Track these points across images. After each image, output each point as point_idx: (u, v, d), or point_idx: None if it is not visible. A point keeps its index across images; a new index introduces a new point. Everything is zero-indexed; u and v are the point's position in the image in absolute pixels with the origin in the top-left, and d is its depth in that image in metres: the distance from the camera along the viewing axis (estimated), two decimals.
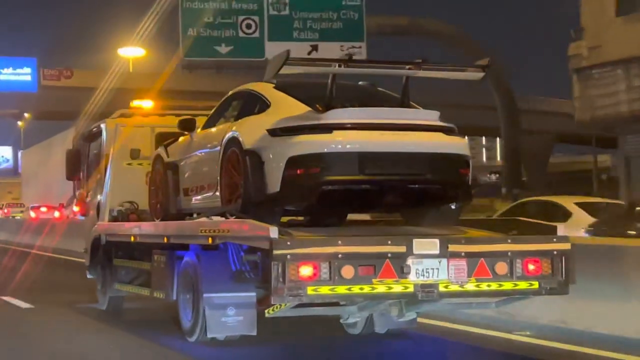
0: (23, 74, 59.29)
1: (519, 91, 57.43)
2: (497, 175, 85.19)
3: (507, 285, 8.06)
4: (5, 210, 67.76)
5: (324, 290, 7.58)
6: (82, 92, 50.73)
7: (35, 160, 78.31)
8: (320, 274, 7.57)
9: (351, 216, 9.88)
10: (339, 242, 7.64)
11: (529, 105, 62.61)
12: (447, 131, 8.56)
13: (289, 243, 7.52)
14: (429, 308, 8.75)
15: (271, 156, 8.22)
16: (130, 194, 12.04)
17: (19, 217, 56.08)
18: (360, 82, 9.59)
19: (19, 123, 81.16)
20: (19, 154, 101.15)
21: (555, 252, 8.14)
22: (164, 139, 11.13)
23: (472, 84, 9.12)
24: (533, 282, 8.11)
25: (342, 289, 7.62)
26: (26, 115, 70.41)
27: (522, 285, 8.10)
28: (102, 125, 12.94)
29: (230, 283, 8.69)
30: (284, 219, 9.30)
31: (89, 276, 13.09)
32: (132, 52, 56.00)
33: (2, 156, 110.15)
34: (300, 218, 9.74)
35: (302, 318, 9.28)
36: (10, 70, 59.71)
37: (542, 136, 64.22)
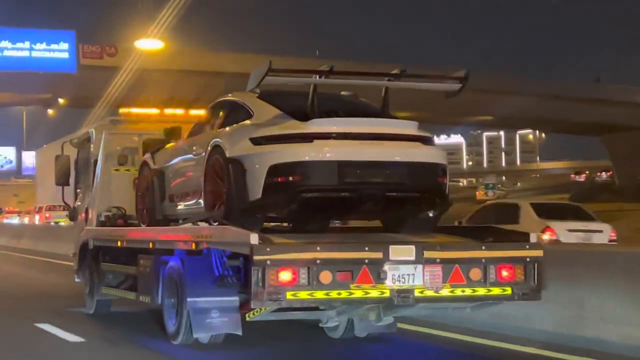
0: (59, 51, 49.33)
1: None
2: (609, 173, 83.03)
3: (481, 291, 8.36)
4: (47, 215, 52.64)
5: (303, 295, 7.87)
6: (129, 73, 43.54)
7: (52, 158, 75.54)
8: (299, 279, 7.85)
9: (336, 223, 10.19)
10: (318, 248, 7.92)
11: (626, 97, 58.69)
12: (425, 141, 8.84)
13: (268, 249, 7.79)
14: (406, 313, 9.02)
15: (253, 164, 8.49)
16: (118, 200, 12.33)
17: (62, 224, 39.12)
18: (343, 92, 9.87)
19: (49, 111, 68.67)
20: (23, 154, 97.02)
21: (528, 259, 8.45)
22: (151, 146, 11.41)
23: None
24: (506, 288, 8.41)
25: (320, 294, 7.90)
26: (60, 101, 57.93)
27: (496, 291, 8.40)
28: (91, 131, 13.22)
29: (213, 287, 8.95)
30: (268, 224, 9.63)
31: (76, 280, 13.35)
32: (148, 45, 45.97)
33: (5, 157, 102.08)
34: (285, 224, 10.06)
35: (285, 322, 9.56)
36: (43, 45, 49.63)
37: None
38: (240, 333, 8.96)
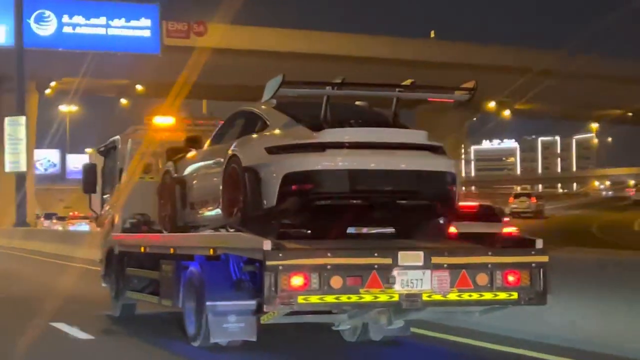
0: (139, 28, 43.05)
1: None
2: None
3: (488, 296, 8.67)
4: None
5: (314, 299, 8.22)
6: (221, 55, 36.87)
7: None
8: (310, 283, 8.21)
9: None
10: (329, 254, 8.28)
11: None
12: (434, 150, 9.18)
13: (280, 255, 8.16)
14: (416, 316, 9.34)
15: (268, 173, 8.86)
16: (142, 207, 12.75)
17: None
18: (357, 102, 10.23)
19: (122, 101, 60.45)
20: (67, 157, 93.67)
21: (533, 265, 8.74)
22: (174, 155, 11.81)
23: None
24: (512, 293, 8.72)
25: (330, 298, 8.26)
26: (138, 88, 50.59)
27: (502, 295, 8.70)
28: (116, 140, 13.67)
29: (231, 292, 9.34)
30: (289, 230, 9.97)
31: (103, 284, 13.79)
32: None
33: (49, 160, 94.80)
34: (305, 231, 10.40)
35: (301, 325, 9.91)
36: (122, 21, 43.45)
37: None
38: (254, 339, 9.33)
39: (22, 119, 41.65)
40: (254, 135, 9.50)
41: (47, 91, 53.62)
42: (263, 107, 9.81)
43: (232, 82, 42.33)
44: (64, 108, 68.83)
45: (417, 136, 9.27)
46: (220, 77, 41.62)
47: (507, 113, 72.19)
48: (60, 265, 26.12)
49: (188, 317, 10.17)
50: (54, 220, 66.87)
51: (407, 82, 9.32)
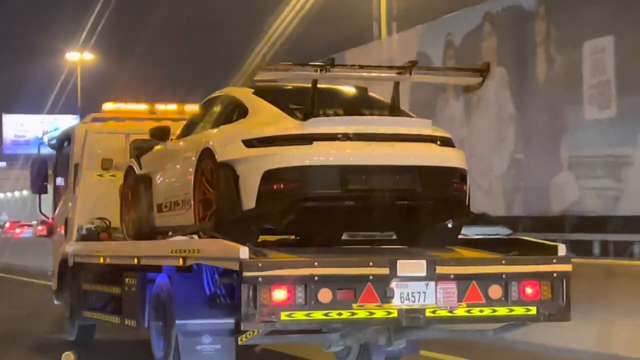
0: None
1: None
2: None
3: (502, 311, 9.05)
4: None
5: (299, 315, 8.58)
6: None
7: None
8: (295, 298, 8.57)
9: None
10: (316, 263, 8.64)
11: None
12: (440, 141, 9.56)
13: (260, 264, 8.52)
14: (419, 336, 9.74)
15: (246, 169, 9.21)
16: (101, 210, 13.14)
17: None
18: (348, 86, 10.58)
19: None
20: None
21: (555, 275, 9.14)
22: (140, 148, 12.19)
23: None
24: (530, 308, 9.10)
25: (318, 315, 8.62)
26: None
27: (519, 310, 9.08)
28: (71, 131, 14.06)
29: (205, 308, 9.69)
30: (272, 238, 10.40)
31: (56, 302, 14.20)
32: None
33: None
34: (292, 237, 10.84)
35: (287, 347, 10.32)
36: None
37: None
38: None
39: None
40: (231, 126, 9.85)
41: None
42: (241, 92, 10.18)
43: None
44: None
45: (421, 126, 9.64)
46: None
47: None
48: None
49: (155, 338, 10.52)
50: None
51: (408, 62, 9.65)
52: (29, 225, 66.39)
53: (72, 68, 68.92)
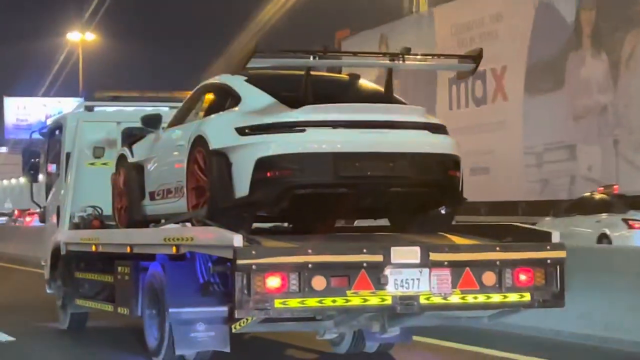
0: None
1: None
2: None
3: (496, 298, 9.10)
4: None
5: (293, 303, 8.63)
6: None
7: None
8: (289, 285, 8.62)
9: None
10: (309, 250, 8.68)
11: None
12: (433, 129, 9.59)
13: (254, 252, 8.56)
14: (414, 323, 9.78)
15: (239, 157, 9.25)
16: (93, 198, 13.16)
17: None
18: (342, 74, 10.60)
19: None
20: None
21: (549, 261, 9.18)
22: (132, 136, 12.19)
23: None
24: (524, 294, 9.15)
25: (312, 302, 8.67)
26: None
27: (513, 297, 9.14)
28: (62, 119, 14.07)
29: (198, 296, 9.71)
30: (266, 225, 10.43)
31: (48, 291, 14.20)
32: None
33: None
34: (286, 224, 10.88)
35: (280, 335, 10.33)
36: None
37: None
38: (228, 350, 9.73)
39: None
40: (223, 114, 9.88)
41: None
42: (234, 80, 10.19)
43: None
44: None
45: (414, 113, 9.68)
46: None
47: None
48: None
49: (148, 327, 10.56)
50: None
51: (402, 49, 9.68)
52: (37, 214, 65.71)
53: (83, 49, 68.07)
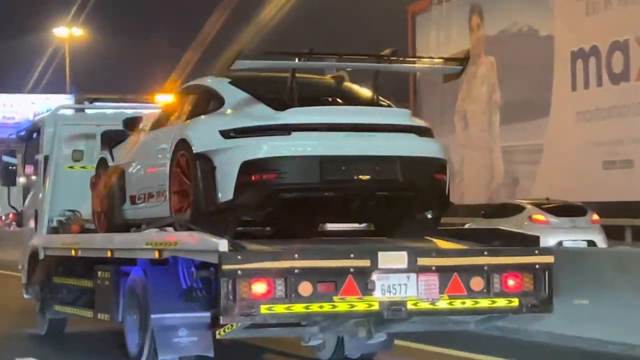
0: None
1: None
2: None
3: (484, 303, 9.02)
4: None
5: (279, 309, 8.52)
6: None
7: None
8: (274, 291, 8.51)
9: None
10: (296, 255, 8.58)
11: None
12: (420, 132, 9.53)
13: (239, 257, 8.45)
14: (400, 328, 9.70)
15: (223, 160, 9.15)
16: (72, 202, 13.00)
17: None
18: (329, 75, 10.52)
19: None
20: None
21: (537, 266, 9.11)
22: (112, 139, 12.05)
23: None
24: (512, 299, 9.07)
25: (299, 308, 8.56)
26: None
27: (501, 302, 9.05)
28: (40, 122, 13.91)
29: (181, 302, 9.60)
30: (247, 229, 10.29)
31: (26, 296, 14.05)
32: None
33: None
34: (267, 228, 10.74)
35: (265, 341, 10.21)
36: None
37: None
38: (211, 355, 9.60)
39: None
40: (207, 116, 9.77)
41: None
42: (217, 82, 10.09)
43: None
44: None
45: (400, 116, 9.61)
46: None
47: None
48: None
49: (130, 333, 10.43)
50: None
51: (388, 51, 9.59)
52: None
53: (70, 45, 66.96)
